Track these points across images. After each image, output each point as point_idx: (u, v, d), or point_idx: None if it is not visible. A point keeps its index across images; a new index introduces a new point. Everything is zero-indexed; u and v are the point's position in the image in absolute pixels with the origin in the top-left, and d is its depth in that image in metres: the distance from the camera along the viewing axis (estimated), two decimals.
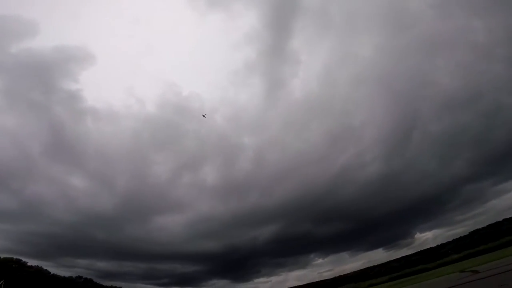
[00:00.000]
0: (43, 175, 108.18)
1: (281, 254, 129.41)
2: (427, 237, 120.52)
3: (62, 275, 75.61)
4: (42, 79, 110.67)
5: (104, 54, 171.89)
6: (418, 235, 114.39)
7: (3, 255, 64.67)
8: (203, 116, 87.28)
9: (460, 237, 75.72)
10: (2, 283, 31.27)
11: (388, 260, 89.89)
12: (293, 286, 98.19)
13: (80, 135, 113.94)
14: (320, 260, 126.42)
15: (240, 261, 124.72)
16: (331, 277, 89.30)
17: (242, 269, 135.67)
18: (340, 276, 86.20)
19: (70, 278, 77.79)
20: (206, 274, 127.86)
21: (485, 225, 70.89)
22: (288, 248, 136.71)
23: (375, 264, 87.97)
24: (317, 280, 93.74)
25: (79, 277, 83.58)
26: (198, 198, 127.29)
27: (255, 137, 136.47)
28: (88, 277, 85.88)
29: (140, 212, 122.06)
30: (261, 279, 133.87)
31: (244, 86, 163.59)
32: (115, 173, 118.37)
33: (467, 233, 75.79)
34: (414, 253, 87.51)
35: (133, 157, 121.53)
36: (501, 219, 67.53)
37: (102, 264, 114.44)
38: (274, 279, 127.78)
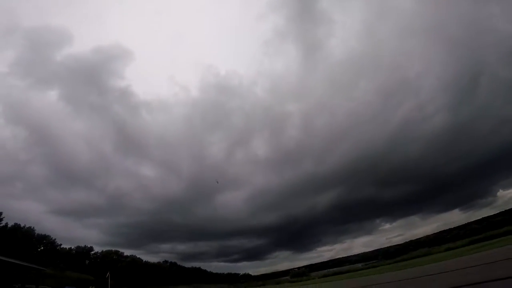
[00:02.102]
0: (119, 170, 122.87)
1: (342, 221, 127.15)
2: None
3: (152, 261, 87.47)
4: (93, 81, 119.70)
5: (139, 49, 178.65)
6: (501, 193, 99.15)
7: (105, 248, 77.20)
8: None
9: None
10: (108, 275, 35.08)
11: (467, 221, 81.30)
12: (360, 252, 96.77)
13: (140, 128, 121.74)
14: (387, 225, 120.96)
15: (300, 231, 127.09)
16: (402, 242, 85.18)
17: (303, 239, 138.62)
18: (411, 241, 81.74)
19: (158, 263, 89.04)
20: (270, 246, 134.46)
21: None
22: (350, 214, 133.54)
23: (452, 227, 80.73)
24: (387, 245, 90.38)
25: (165, 261, 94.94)
26: (253, 172, 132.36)
27: (299, 104, 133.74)
28: (172, 260, 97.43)
29: (205, 193, 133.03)
30: (324, 248, 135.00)
31: (279, 54, 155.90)
32: (177, 158, 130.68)
33: None
34: (497, 213, 77.02)
35: (189, 141, 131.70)
36: None
37: (181, 247, 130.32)
38: (337, 246, 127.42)
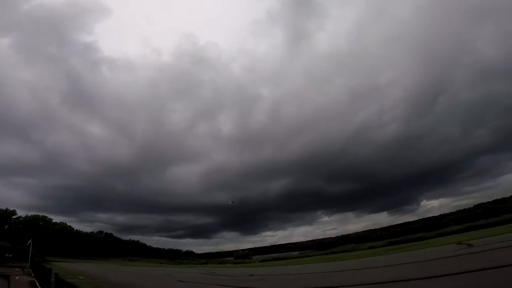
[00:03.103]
0: (63, 125, 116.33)
1: (289, 209, 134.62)
2: (433, 205, 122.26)
3: (85, 230, 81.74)
4: (56, 33, 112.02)
5: (119, 7, 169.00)
6: (424, 202, 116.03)
7: (30, 213, 69.24)
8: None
9: (464, 209, 76.08)
10: (30, 242, 31.67)
11: (390, 224, 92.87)
12: (298, 241, 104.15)
13: (96, 85, 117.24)
14: (326, 218, 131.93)
15: (250, 214, 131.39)
16: (335, 236, 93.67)
17: (251, 222, 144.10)
18: (342, 236, 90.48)
19: (92, 233, 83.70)
20: (218, 226, 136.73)
21: (491, 200, 70.25)
22: (297, 203, 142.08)
23: (378, 227, 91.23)
24: (321, 237, 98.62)
25: (100, 232, 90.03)
26: (213, 148, 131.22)
27: (273, 89, 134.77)
28: (108, 231, 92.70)
29: (157, 162, 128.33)
30: (268, 233, 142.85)
31: (265, 36, 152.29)
32: (133, 121, 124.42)
33: (472, 205, 75.92)
34: (416, 220, 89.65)
35: (150, 105, 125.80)
36: (508, 196, 66.43)
37: (121, 218, 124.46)
38: (280, 233, 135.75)
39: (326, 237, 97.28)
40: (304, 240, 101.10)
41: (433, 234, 31.35)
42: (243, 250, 73.35)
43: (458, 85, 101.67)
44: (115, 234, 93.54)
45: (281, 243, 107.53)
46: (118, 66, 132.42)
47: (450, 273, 7.48)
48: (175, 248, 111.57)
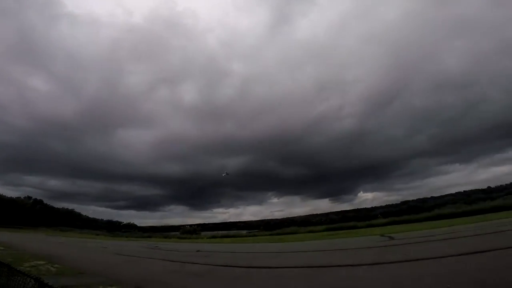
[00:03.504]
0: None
1: (243, 188, 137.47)
2: (367, 198, 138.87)
3: (9, 195, 71.34)
4: None
5: None
6: (360, 194, 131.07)
7: None
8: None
9: (392, 204, 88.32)
10: None
11: (330, 211, 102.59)
12: (248, 220, 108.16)
13: (50, 40, 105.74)
14: (275, 200, 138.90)
15: (203, 189, 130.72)
16: (281, 217, 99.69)
17: (203, 197, 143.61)
18: (288, 218, 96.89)
19: (18, 199, 73.29)
20: (166, 198, 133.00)
21: (415, 198, 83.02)
22: (251, 183, 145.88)
23: (319, 213, 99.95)
24: (269, 218, 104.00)
25: (28, 197, 79.27)
26: (171, 116, 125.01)
27: (246, 66, 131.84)
28: (38, 197, 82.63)
29: (105, 124, 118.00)
30: (220, 210, 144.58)
31: (249, 13, 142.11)
32: (84, 78, 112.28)
33: (399, 202, 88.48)
34: (352, 209, 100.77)
35: (109, 65, 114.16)
36: (429, 196, 79.08)
37: (54, 183, 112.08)
38: (232, 211, 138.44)
39: (273, 218, 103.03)
40: (253, 220, 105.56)
41: (363, 224, 35.63)
42: (191, 225, 72.72)
43: (413, 92, 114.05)
44: (46, 201, 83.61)
45: (232, 220, 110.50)
46: (80, 22, 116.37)
47: (369, 263, 8.59)
48: (114, 219, 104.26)
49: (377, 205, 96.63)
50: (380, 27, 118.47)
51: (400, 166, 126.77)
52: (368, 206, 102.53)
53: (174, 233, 70.23)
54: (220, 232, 63.60)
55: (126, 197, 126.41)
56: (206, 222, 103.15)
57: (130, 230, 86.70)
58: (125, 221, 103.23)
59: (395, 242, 14.07)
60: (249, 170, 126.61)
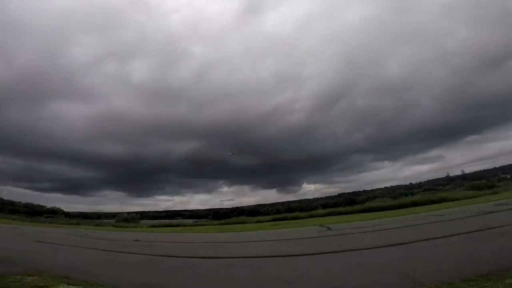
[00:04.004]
0: None
1: (191, 175, 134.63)
2: (310, 189, 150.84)
3: None
4: None
5: None
6: (304, 185, 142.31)
7: None
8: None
9: (331, 196, 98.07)
10: None
11: (276, 201, 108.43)
12: (194, 209, 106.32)
13: None
14: (226, 188, 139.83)
15: (145, 174, 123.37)
16: (230, 207, 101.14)
17: (145, 183, 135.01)
18: (237, 207, 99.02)
19: None
20: (100, 182, 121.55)
21: (351, 191, 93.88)
22: (201, 170, 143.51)
23: (267, 203, 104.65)
24: (218, 207, 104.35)
25: None
26: (115, 92, 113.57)
27: (208, 51, 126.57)
28: None
29: (36, 93, 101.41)
30: (163, 197, 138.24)
31: None
32: (19, 46, 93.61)
33: (336, 194, 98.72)
34: (296, 200, 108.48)
35: (52, 35, 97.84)
36: (362, 190, 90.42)
37: None
38: (177, 198, 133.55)
39: (222, 207, 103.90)
40: (201, 208, 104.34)
41: (305, 215, 38.48)
42: (128, 213, 68.00)
43: (358, 92, 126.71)
44: None
45: (177, 209, 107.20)
46: None
47: (310, 253, 9.21)
48: (36, 203, 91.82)
49: (318, 197, 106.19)
50: (339, 28, 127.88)
51: (339, 160, 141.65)
52: (311, 197, 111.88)
53: (108, 220, 64.84)
54: (163, 221, 60.75)
55: (51, 177, 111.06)
56: (147, 210, 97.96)
57: (54, 215, 76.43)
58: (49, 205, 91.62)
59: (332, 232, 15.48)
60: (199, 156, 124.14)
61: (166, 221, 60.64)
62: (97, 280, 6.52)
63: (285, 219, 37.80)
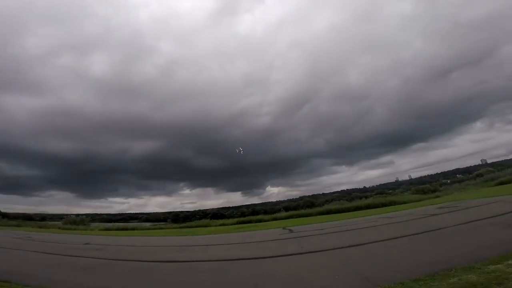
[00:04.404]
0: None
1: (149, 176, 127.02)
2: (273, 192, 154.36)
3: None
4: None
5: None
6: (268, 188, 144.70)
7: None
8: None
9: (292, 198, 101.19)
10: None
11: (241, 204, 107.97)
12: (152, 211, 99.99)
13: None
14: (187, 191, 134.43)
15: (97, 174, 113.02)
16: (192, 210, 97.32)
17: (97, 184, 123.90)
18: (199, 210, 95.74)
19: None
20: (44, 181, 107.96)
21: (310, 194, 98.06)
22: (160, 171, 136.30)
23: (231, 206, 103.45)
24: (179, 210, 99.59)
25: None
26: (70, 84, 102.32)
27: (176, 48, 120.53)
28: None
29: None
30: (118, 199, 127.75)
31: None
32: None
33: (298, 197, 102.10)
34: (260, 203, 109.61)
35: (7, 24, 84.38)
36: (321, 193, 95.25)
37: None
38: (132, 201, 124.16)
39: (183, 210, 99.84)
40: (159, 211, 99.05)
41: (269, 217, 38.91)
42: (77, 215, 61.90)
43: (321, 99, 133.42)
44: None
45: (132, 212, 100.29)
46: None
47: (274, 255, 9.30)
48: None
49: (281, 199, 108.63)
50: (308, 35, 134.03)
51: (301, 164, 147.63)
52: (274, 200, 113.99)
53: (54, 222, 58.16)
54: (117, 224, 56.80)
55: None
56: (99, 213, 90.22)
57: None
58: None
59: (294, 235, 15.87)
60: (159, 156, 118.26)
61: (121, 224, 56.37)
62: (43, 285, 5.80)
63: (250, 222, 37.76)
